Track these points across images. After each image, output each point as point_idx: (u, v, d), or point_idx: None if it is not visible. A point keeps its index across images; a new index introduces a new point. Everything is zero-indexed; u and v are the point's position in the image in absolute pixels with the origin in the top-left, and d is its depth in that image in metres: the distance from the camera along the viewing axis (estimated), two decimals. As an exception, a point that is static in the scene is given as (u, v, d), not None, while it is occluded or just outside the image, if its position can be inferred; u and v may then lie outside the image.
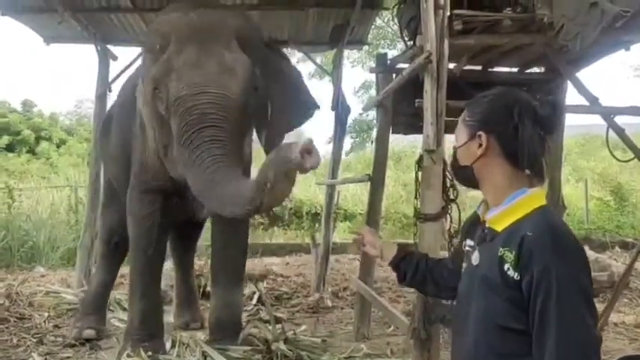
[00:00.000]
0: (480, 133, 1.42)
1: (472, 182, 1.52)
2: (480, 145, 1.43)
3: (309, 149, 2.35)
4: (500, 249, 1.34)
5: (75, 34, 5.97)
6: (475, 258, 1.47)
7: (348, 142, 13.78)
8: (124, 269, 7.19)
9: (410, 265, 1.83)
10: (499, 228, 1.40)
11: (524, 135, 1.38)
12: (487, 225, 1.45)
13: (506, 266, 1.31)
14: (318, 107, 3.83)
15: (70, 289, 6.00)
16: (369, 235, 2.02)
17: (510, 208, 1.39)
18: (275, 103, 3.41)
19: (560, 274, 1.23)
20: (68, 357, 4.01)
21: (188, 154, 2.82)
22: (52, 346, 4.24)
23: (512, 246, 1.31)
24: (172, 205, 3.74)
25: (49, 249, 8.48)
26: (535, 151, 1.39)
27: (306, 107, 3.76)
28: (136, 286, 3.76)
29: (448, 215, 3.05)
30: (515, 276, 1.29)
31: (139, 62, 6.00)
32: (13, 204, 9.25)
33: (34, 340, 4.34)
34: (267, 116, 3.41)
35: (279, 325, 3.95)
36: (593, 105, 3.77)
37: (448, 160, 1.59)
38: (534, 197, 1.39)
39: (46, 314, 5.05)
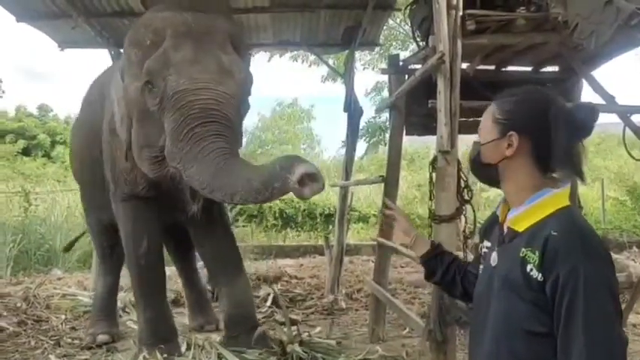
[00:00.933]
0: (512, 133, 1.39)
1: (493, 181, 1.49)
2: (509, 145, 1.39)
3: (311, 176, 2.34)
4: (523, 249, 1.31)
5: (89, 39, 6.02)
6: (493, 259, 1.44)
7: (361, 144, 13.76)
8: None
9: (441, 264, 1.80)
10: (520, 228, 1.37)
11: (558, 138, 1.34)
12: (507, 225, 1.43)
13: (528, 267, 1.28)
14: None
15: (86, 291, 6.05)
16: (403, 221, 1.99)
17: (533, 208, 1.36)
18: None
19: (588, 274, 1.21)
20: (85, 359, 4.04)
21: (190, 147, 2.76)
22: (69, 348, 4.28)
23: (535, 246, 1.29)
24: (158, 208, 3.70)
25: (65, 252, 8.56)
26: (570, 154, 1.36)
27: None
28: (138, 297, 3.78)
29: (463, 216, 3.04)
30: (539, 277, 1.26)
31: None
32: (30, 208, 9.37)
33: (52, 342, 4.40)
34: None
35: (294, 327, 3.94)
36: (610, 104, 3.73)
37: (470, 155, 1.55)
38: (558, 197, 1.36)
39: (63, 317, 5.11)
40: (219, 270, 3.98)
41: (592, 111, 1.39)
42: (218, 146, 2.72)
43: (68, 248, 7.05)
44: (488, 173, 1.48)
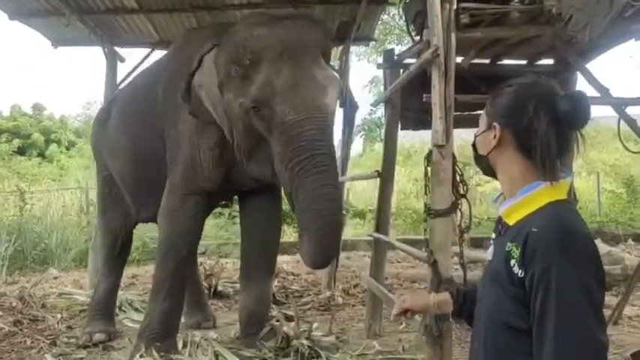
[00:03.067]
0: (495, 124, 1.39)
1: (490, 171, 1.50)
2: (495, 136, 1.40)
3: None
4: (508, 244, 1.30)
5: (82, 37, 6.00)
6: (489, 252, 1.44)
7: (358, 141, 13.78)
8: (134, 270, 7.31)
9: (470, 303, 1.65)
10: (511, 222, 1.37)
11: (538, 129, 1.32)
12: (502, 218, 1.42)
13: (512, 262, 1.27)
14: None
15: (82, 290, 6.05)
16: (414, 300, 1.82)
17: (522, 201, 1.35)
18: None
19: (562, 272, 1.18)
20: (81, 358, 4.03)
21: (295, 176, 2.98)
22: (66, 347, 4.26)
23: (518, 242, 1.27)
24: (213, 206, 3.87)
25: (61, 251, 8.55)
26: (549, 146, 1.31)
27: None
28: (162, 286, 3.72)
29: (459, 210, 3.03)
30: (520, 273, 1.25)
31: (147, 63, 6.11)
32: (25, 207, 9.35)
33: (48, 341, 4.37)
34: None
35: (293, 323, 3.95)
36: (605, 96, 3.73)
37: (469, 148, 1.55)
38: (547, 191, 1.32)
39: (59, 316, 5.08)
40: (256, 264, 4.03)
41: (576, 101, 1.35)
42: (321, 183, 2.94)
43: None
44: (484, 164, 1.50)
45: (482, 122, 1.47)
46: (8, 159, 16.74)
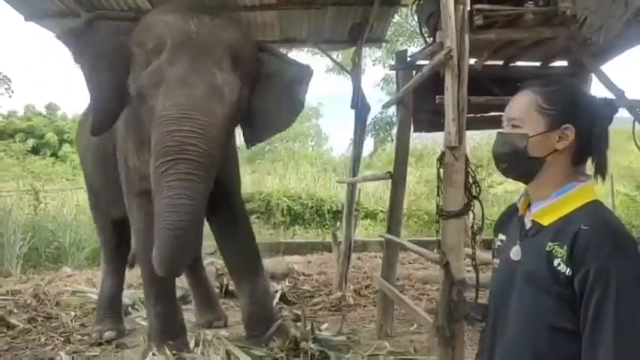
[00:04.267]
0: (568, 126, 1.33)
1: (524, 175, 1.41)
2: (560, 138, 1.34)
3: None
4: (549, 244, 1.28)
5: (97, 38, 6.03)
6: (515, 253, 1.39)
7: (369, 141, 13.75)
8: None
9: None
10: (546, 222, 1.34)
11: (601, 132, 1.33)
12: (531, 219, 1.38)
13: (556, 262, 1.25)
14: (301, 109, 3.79)
15: (95, 288, 6.08)
16: None
17: (559, 201, 1.33)
18: (262, 107, 3.41)
19: (620, 272, 1.17)
20: (95, 355, 4.07)
21: (158, 177, 2.83)
22: (79, 344, 4.31)
23: (563, 240, 1.25)
24: None
25: (74, 249, 8.62)
26: (604, 148, 1.34)
27: (292, 111, 3.73)
28: (149, 292, 3.79)
29: (471, 212, 3.03)
30: (567, 271, 1.23)
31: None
32: (39, 206, 9.46)
33: (62, 338, 4.43)
34: (253, 119, 3.41)
35: (308, 323, 3.96)
36: (619, 98, 3.70)
37: (497, 147, 1.44)
38: (584, 191, 1.33)
39: (73, 313, 5.15)
40: (239, 268, 4.02)
41: (610, 101, 1.38)
42: (176, 193, 2.77)
43: None
44: (523, 167, 1.39)
45: (537, 122, 1.36)
46: (23, 158, 16.92)
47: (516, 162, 1.39)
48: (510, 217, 1.50)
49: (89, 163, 4.53)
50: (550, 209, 1.34)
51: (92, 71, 3.33)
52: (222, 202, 3.76)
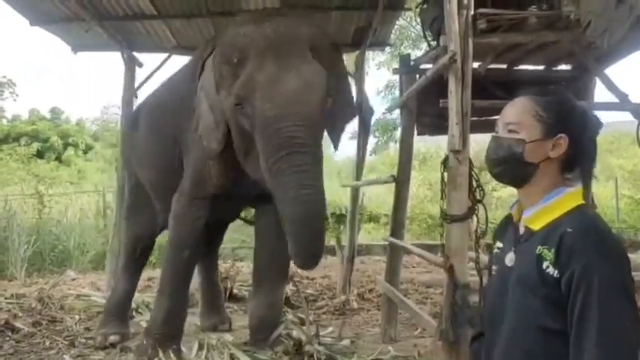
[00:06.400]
0: (563, 136, 1.36)
1: (518, 180, 1.43)
2: (554, 147, 1.37)
3: None
4: (539, 247, 1.31)
5: (102, 42, 6.07)
6: (510, 259, 1.43)
7: (371, 143, 13.76)
8: (150, 273, 7.36)
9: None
10: (536, 227, 1.37)
11: (589, 138, 1.39)
12: (523, 225, 1.42)
13: (544, 264, 1.28)
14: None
15: (99, 292, 6.11)
16: None
17: (548, 206, 1.36)
18: (337, 104, 3.45)
19: (604, 272, 1.20)
20: (99, 359, 4.07)
21: (274, 174, 2.96)
22: (83, 348, 4.31)
23: (550, 244, 1.29)
24: (218, 209, 3.84)
25: (78, 253, 8.64)
26: (592, 159, 1.41)
27: (355, 107, 3.94)
28: (166, 285, 3.83)
29: (475, 216, 3.03)
30: (555, 274, 1.26)
31: (164, 68, 6.18)
32: (44, 209, 9.48)
33: (66, 342, 4.43)
34: (334, 117, 3.49)
35: (312, 327, 3.96)
36: (623, 102, 3.70)
37: (490, 150, 1.46)
38: (572, 196, 1.36)
39: (77, 317, 5.15)
40: (270, 269, 4.04)
41: (596, 116, 1.44)
42: (298, 182, 2.90)
43: None
44: (519, 171, 1.41)
45: (533, 128, 1.39)
46: (27, 162, 16.98)
47: (512, 166, 1.41)
48: (507, 224, 1.52)
49: (144, 171, 4.54)
50: (540, 214, 1.37)
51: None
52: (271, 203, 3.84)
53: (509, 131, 1.41)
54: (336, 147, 3.79)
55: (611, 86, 3.76)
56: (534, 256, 1.31)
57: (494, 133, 1.46)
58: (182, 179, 3.84)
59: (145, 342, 3.77)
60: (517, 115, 1.41)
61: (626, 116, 3.81)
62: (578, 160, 1.39)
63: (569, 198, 1.36)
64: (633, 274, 1.29)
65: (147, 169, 4.47)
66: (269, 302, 3.98)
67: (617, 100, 3.73)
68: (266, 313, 3.97)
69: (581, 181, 1.41)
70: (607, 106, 3.86)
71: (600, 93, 4.27)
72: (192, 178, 3.76)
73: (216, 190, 3.71)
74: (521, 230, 1.43)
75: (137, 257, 4.67)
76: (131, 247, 4.73)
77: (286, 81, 3.00)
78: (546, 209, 1.36)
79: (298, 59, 3.08)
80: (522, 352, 1.33)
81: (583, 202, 1.37)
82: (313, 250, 3.02)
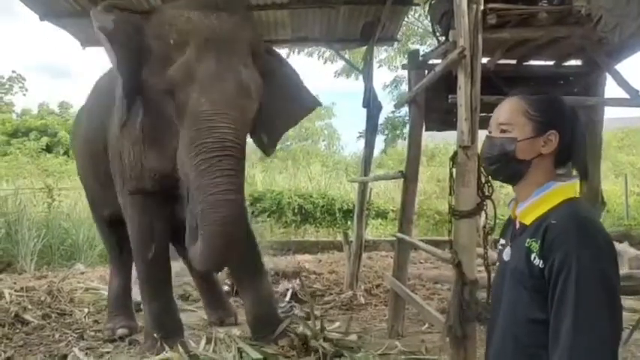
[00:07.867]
0: (553, 132, 1.41)
1: (512, 176, 1.48)
2: (545, 143, 1.42)
3: None
4: (528, 240, 1.36)
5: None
6: (507, 254, 1.48)
7: (380, 139, 13.74)
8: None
9: None
10: (528, 221, 1.42)
11: (581, 135, 1.44)
12: (518, 220, 1.47)
13: (532, 256, 1.33)
14: (320, 104, 3.96)
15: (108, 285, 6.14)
16: None
17: (538, 201, 1.41)
18: (270, 105, 3.39)
19: (582, 262, 1.23)
20: (108, 352, 4.10)
21: (199, 174, 2.86)
22: (93, 341, 4.35)
23: (537, 236, 1.33)
24: (166, 205, 3.73)
25: (87, 247, 8.71)
26: (583, 153, 1.46)
27: (305, 104, 3.82)
28: (144, 291, 3.84)
29: (483, 212, 3.01)
30: (540, 264, 1.30)
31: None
32: (53, 203, 9.55)
33: (75, 335, 4.47)
34: (262, 120, 3.40)
35: (318, 322, 3.97)
36: (634, 98, 3.67)
37: (484, 149, 1.53)
38: (562, 190, 1.40)
39: (86, 310, 5.19)
40: (240, 270, 4.01)
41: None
42: (223, 189, 2.83)
43: None
44: (512, 168, 1.46)
45: (526, 127, 1.44)
46: (36, 156, 17.07)
47: (505, 164, 1.47)
48: (509, 221, 1.58)
49: (82, 162, 4.55)
50: (530, 209, 1.43)
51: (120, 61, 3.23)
52: None
53: (502, 131, 1.47)
54: (270, 152, 3.73)
55: (621, 82, 3.74)
56: (524, 249, 1.36)
57: (487, 133, 1.52)
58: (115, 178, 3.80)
59: (149, 342, 3.78)
60: (508, 114, 1.47)
61: (637, 112, 3.80)
62: (570, 155, 1.44)
63: (558, 192, 1.40)
64: None
65: (80, 159, 4.52)
66: (256, 298, 3.95)
67: (627, 96, 3.70)
68: (258, 309, 3.95)
69: (578, 174, 1.45)
70: (618, 102, 3.83)
71: (611, 89, 4.24)
72: (118, 173, 3.70)
73: (144, 182, 3.58)
74: (517, 225, 1.48)
75: (116, 250, 4.64)
76: (104, 238, 4.77)
77: (226, 80, 2.93)
78: (536, 204, 1.41)
79: (240, 62, 3.02)
80: (514, 343, 1.38)
81: (575, 195, 1.41)
82: (222, 255, 2.95)
